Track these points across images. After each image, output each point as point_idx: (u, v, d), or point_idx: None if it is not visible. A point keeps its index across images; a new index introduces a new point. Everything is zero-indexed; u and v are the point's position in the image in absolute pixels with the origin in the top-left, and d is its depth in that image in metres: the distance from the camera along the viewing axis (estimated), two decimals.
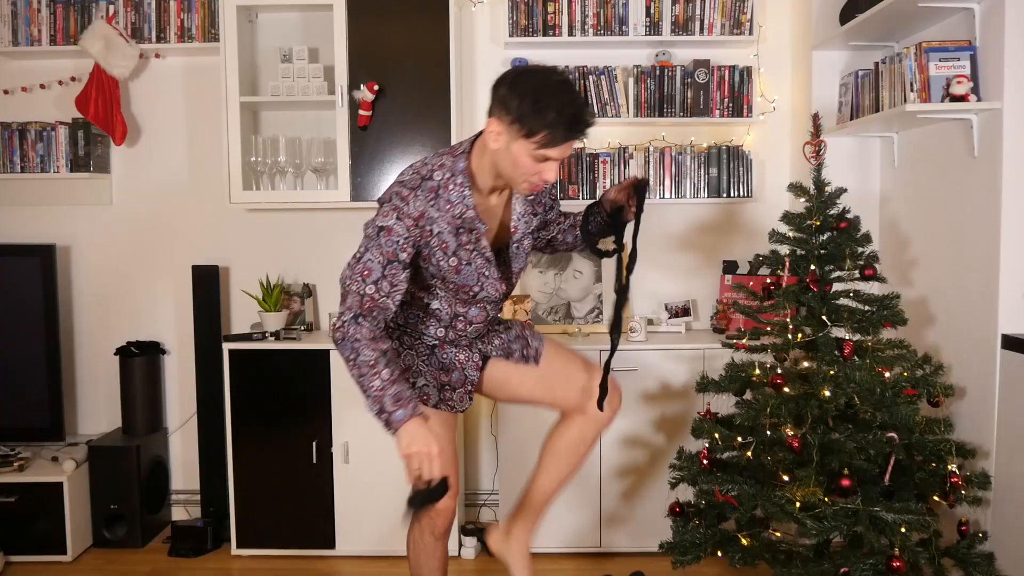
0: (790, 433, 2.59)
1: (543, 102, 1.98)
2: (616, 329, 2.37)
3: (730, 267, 3.75)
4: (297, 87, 3.56)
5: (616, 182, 3.68)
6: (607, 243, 2.47)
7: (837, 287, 2.80)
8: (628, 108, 3.65)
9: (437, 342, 2.37)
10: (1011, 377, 2.63)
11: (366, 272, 2.08)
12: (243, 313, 3.88)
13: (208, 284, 3.66)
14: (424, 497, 2.06)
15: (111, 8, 3.65)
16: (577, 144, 2.03)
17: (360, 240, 2.14)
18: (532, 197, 2.32)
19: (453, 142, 3.50)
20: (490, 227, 2.26)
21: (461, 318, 2.32)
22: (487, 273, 2.25)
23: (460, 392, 2.40)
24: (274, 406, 3.48)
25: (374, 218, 2.12)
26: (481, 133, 2.16)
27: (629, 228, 2.39)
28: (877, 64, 3.10)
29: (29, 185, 3.85)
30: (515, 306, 3.67)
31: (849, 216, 2.80)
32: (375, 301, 2.09)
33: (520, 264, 2.36)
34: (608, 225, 2.40)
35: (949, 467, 2.59)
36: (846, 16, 3.22)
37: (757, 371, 2.78)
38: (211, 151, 3.82)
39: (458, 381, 2.39)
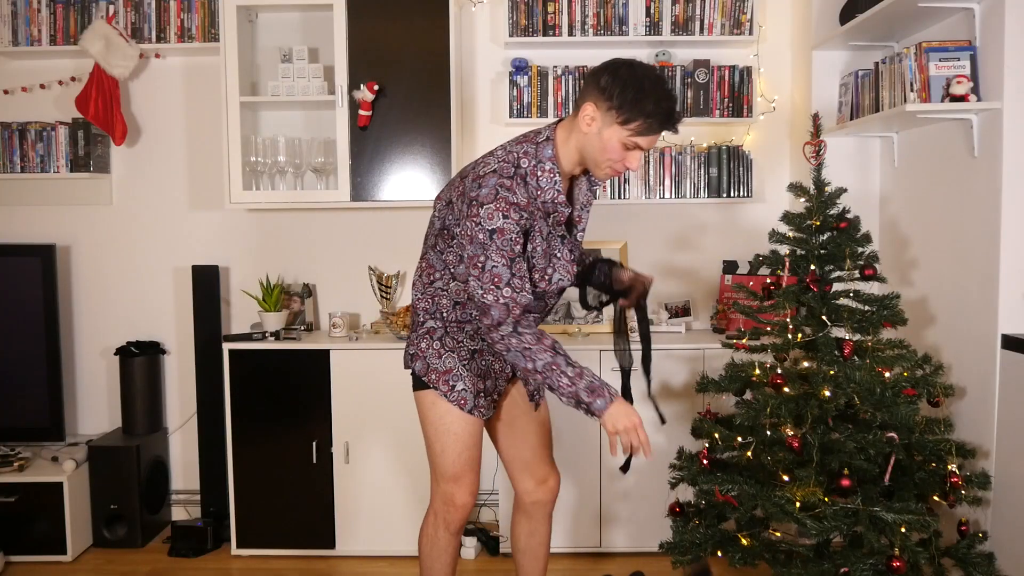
0: (790, 433, 2.59)
1: (643, 93, 2.09)
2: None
3: (730, 267, 3.75)
4: (297, 87, 3.56)
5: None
6: (597, 298, 2.59)
7: (837, 287, 2.80)
8: None
9: (478, 347, 2.40)
10: (1011, 377, 2.63)
11: (496, 279, 2.15)
12: (243, 313, 3.88)
13: (208, 284, 3.66)
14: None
15: (111, 8, 3.65)
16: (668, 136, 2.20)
17: (468, 246, 2.15)
18: (596, 188, 2.42)
19: (453, 142, 3.51)
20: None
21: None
22: (559, 255, 2.32)
23: (489, 400, 2.43)
24: (274, 406, 3.48)
25: (478, 220, 2.12)
26: (559, 121, 2.26)
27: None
28: (877, 64, 3.10)
29: (29, 185, 3.85)
30: None
31: (849, 216, 2.80)
32: (517, 301, 2.17)
33: (579, 252, 2.43)
34: (606, 288, 2.53)
35: (949, 467, 2.59)
36: (846, 16, 3.22)
37: (757, 371, 2.77)
38: (211, 151, 3.82)
39: (490, 388, 2.43)
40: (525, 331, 2.18)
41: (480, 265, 2.15)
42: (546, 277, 2.31)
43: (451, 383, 2.37)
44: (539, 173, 2.20)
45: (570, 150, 2.23)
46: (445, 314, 2.38)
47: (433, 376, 2.38)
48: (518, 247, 2.16)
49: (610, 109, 2.11)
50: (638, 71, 2.13)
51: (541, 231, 2.23)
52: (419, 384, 2.42)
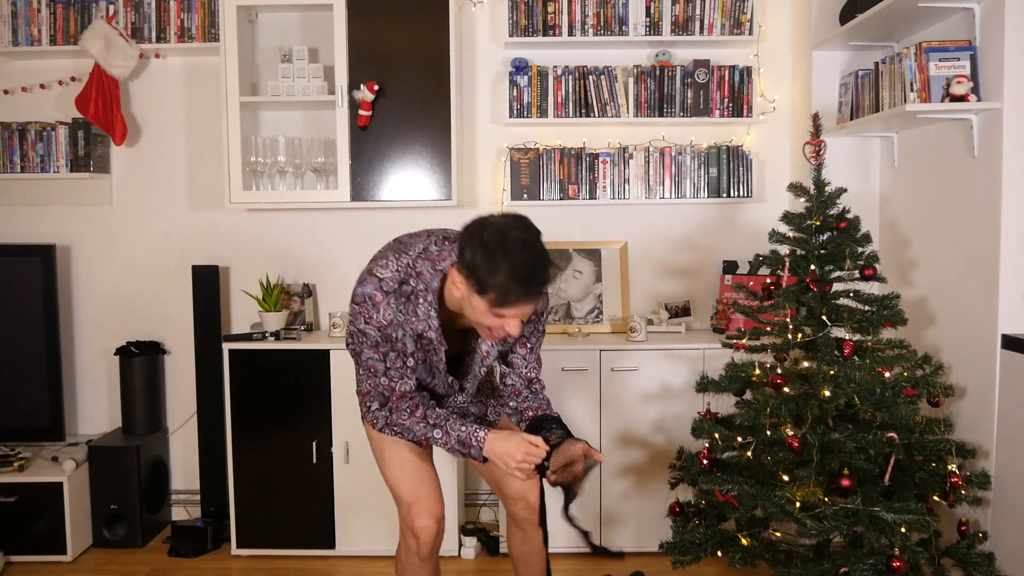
0: (790, 433, 2.59)
1: (496, 260, 1.91)
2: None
3: (730, 267, 3.75)
4: (297, 87, 3.56)
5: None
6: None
7: (837, 287, 2.80)
8: (628, 108, 3.65)
9: None
10: (1011, 377, 2.63)
11: (372, 369, 2.19)
12: (243, 313, 3.88)
13: (208, 284, 3.66)
14: (568, 491, 2.20)
15: (111, 8, 3.65)
16: (535, 304, 2.00)
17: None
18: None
19: (453, 142, 3.51)
20: (455, 335, 2.25)
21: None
22: (441, 368, 2.26)
23: None
24: (274, 406, 3.48)
25: (352, 317, 2.16)
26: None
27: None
28: (877, 64, 3.10)
29: (29, 185, 3.85)
30: None
31: (849, 216, 2.80)
32: (395, 390, 2.19)
33: (476, 378, 2.34)
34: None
35: (949, 467, 2.60)
36: (846, 16, 3.22)
37: (757, 371, 2.77)
38: (211, 151, 3.82)
39: None
40: (402, 412, 2.19)
41: (358, 353, 2.20)
42: (427, 383, 2.29)
43: (368, 404, 2.33)
44: (420, 301, 2.12)
45: (454, 297, 2.10)
46: None
47: (359, 397, 2.37)
48: (387, 344, 2.14)
49: (467, 277, 1.97)
50: (494, 231, 1.93)
51: (404, 350, 2.16)
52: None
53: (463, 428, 2.17)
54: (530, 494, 2.45)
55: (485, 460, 2.18)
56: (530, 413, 2.36)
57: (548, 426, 2.28)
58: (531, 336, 2.34)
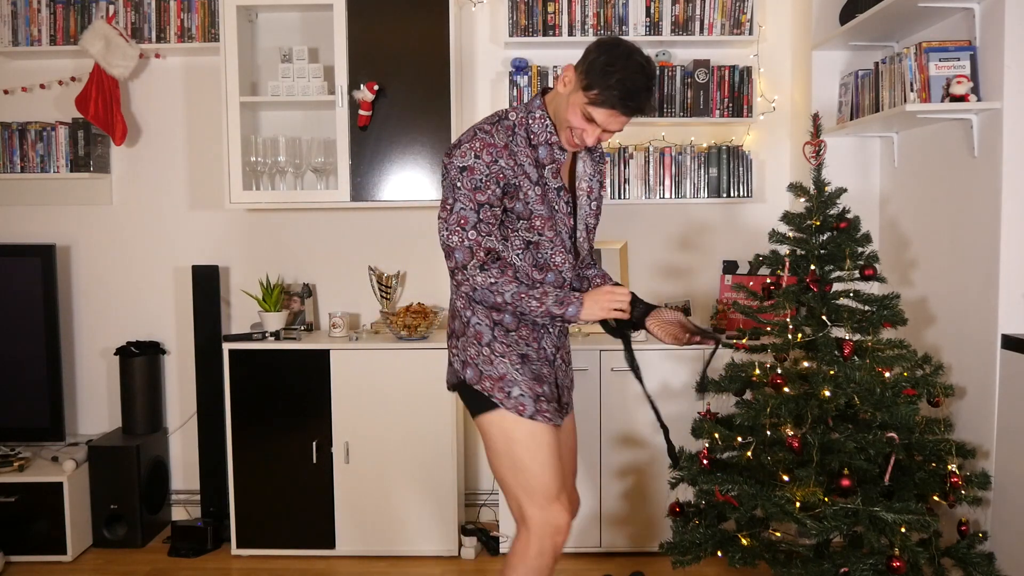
0: (790, 433, 2.59)
1: (613, 66, 2.10)
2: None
3: (730, 267, 3.75)
4: (297, 87, 3.56)
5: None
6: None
7: (837, 287, 2.80)
8: None
9: (523, 351, 2.30)
10: (1011, 377, 2.63)
11: (462, 221, 2.17)
12: (243, 313, 3.88)
13: (208, 284, 3.66)
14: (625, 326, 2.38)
15: (111, 8, 3.65)
16: (619, 124, 2.19)
17: (443, 192, 2.22)
18: (597, 158, 2.42)
19: (453, 141, 3.50)
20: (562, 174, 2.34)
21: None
22: (564, 202, 2.29)
23: (555, 405, 2.31)
24: (274, 406, 3.48)
25: (451, 160, 2.19)
26: (550, 89, 2.30)
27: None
28: (877, 64, 3.10)
29: (29, 185, 3.85)
30: None
31: (849, 216, 2.80)
32: (482, 245, 2.18)
33: (584, 214, 2.38)
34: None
35: (949, 467, 2.59)
36: (846, 16, 3.23)
37: (757, 371, 2.77)
38: (211, 151, 3.82)
39: (549, 394, 2.30)
40: (490, 268, 2.20)
41: (449, 207, 2.19)
42: (555, 228, 2.27)
43: (506, 389, 2.23)
44: (530, 121, 2.25)
45: (550, 110, 2.27)
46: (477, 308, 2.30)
47: (487, 383, 2.24)
48: (488, 192, 2.17)
49: (581, 73, 2.16)
50: (622, 49, 2.14)
51: (529, 176, 2.22)
52: (476, 405, 2.28)
53: (558, 291, 2.23)
54: (573, 492, 2.52)
55: (571, 321, 2.24)
56: (599, 280, 2.51)
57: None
58: (599, 199, 2.44)
